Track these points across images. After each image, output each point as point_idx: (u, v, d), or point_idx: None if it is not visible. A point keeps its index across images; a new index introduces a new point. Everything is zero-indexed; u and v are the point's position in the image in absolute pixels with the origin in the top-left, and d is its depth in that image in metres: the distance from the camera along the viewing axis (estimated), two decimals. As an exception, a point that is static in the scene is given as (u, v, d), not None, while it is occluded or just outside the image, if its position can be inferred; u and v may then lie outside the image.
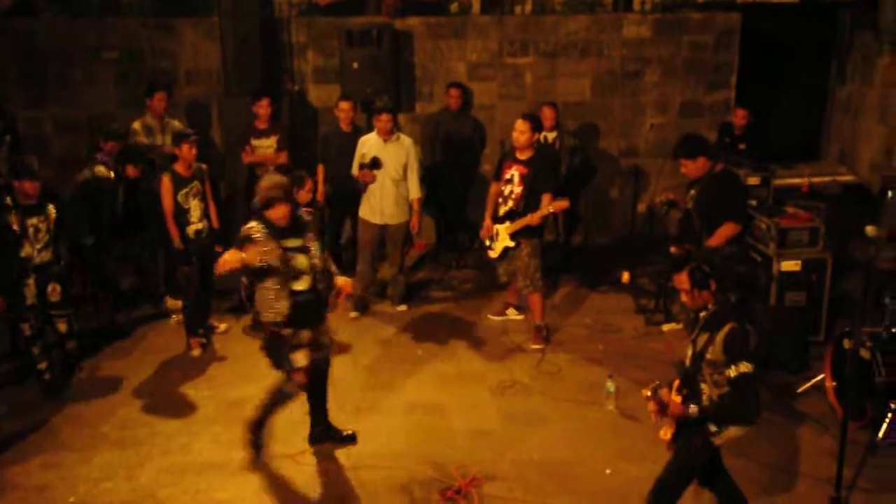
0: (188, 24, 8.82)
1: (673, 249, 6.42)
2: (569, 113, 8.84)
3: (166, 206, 6.67)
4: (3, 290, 5.92)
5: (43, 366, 6.18)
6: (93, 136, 7.40)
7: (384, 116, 7.22)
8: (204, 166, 6.90)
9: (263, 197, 4.75)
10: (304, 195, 6.10)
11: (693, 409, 3.92)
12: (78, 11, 8.81)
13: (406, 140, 7.40)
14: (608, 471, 5.14)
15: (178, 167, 6.70)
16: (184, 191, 6.69)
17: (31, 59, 8.67)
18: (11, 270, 5.94)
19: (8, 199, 5.93)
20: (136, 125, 7.65)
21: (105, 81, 8.82)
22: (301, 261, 4.91)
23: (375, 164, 7.22)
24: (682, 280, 4.08)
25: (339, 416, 5.71)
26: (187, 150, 6.63)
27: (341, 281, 5.18)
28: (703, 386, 3.99)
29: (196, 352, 6.88)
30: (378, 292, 7.91)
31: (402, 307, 7.74)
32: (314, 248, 4.98)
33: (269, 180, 4.86)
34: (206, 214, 6.86)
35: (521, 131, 6.67)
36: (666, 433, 4.09)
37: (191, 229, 6.77)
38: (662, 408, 4.05)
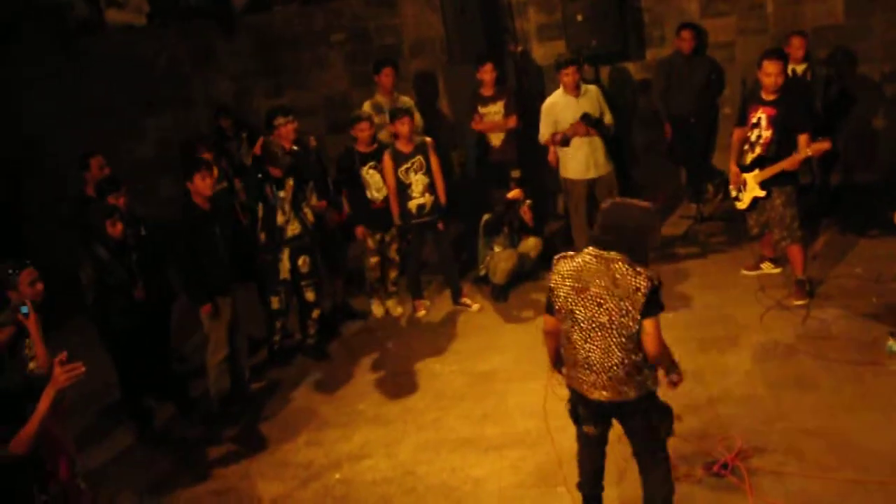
0: (408, -2, 8.86)
1: None
2: (819, 40, 7.94)
3: (388, 183, 6.82)
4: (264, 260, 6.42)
5: (277, 338, 6.72)
6: None
7: (570, 70, 6.91)
8: (428, 140, 6.93)
9: None
10: None
11: None
12: (305, -1, 9.13)
13: (592, 89, 7.16)
14: (900, 442, 4.59)
15: (398, 144, 6.79)
16: (404, 166, 6.77)
17: (268, 50, 9.09)
18: (274, 238, 6.36)
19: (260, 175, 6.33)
20: (367, 106, 7.75)
21: (335, 64, 9.08)
22: None
23: (596, 122, 6.98)
24: None
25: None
26: (399, 126, 6.71)
27: None
28: None
29: (421, 313, 7.18)
30: None
31: None
32: None
33: None
34: (430, 189, 6.88)
35: (774, 74, 6.01)
36: None
37: (412, 204, 6.84)
38: None
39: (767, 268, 6.87)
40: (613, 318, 3.58)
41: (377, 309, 7.35)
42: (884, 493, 4.23)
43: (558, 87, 7.17)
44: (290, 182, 6.37)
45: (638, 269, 3.56)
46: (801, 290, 6.34)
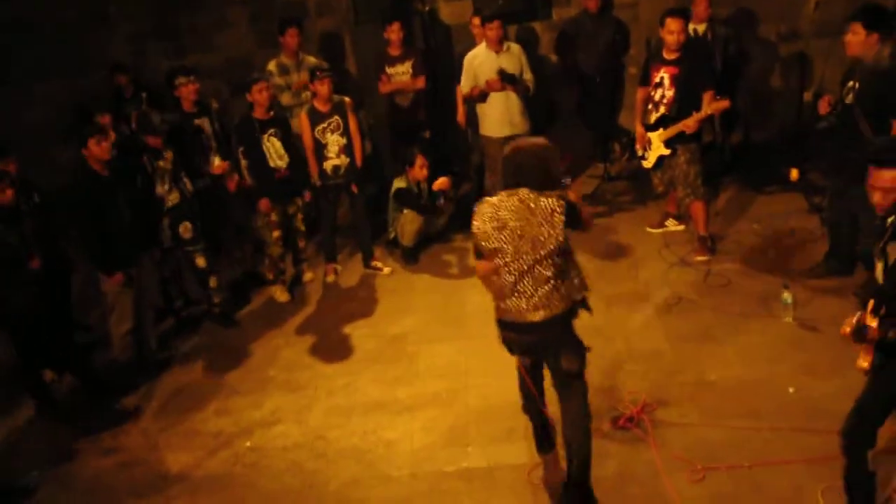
0: (313, -46, 8.63)
1: (794, 174, 6.16)
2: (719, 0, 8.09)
3: (305, 142, 6.72)
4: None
5: (179, 304, 6.62)
6: None
7: (494, 24, 6.93)
8: (347, 100, 6.82)
9: None
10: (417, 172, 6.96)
11: (894, 334, 3.35)
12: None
13: (515, 47, 7.18)
14: (791, 389, 4.79)
15: (317, 103, 6.68)
16: (321, 126, 6.66)
17: (167, 9, 8.75)
18: (154, 209, 6.13)
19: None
20: (271, 65, 7.56)
21: (238, 23, 8.80)
22: None
23: (513, 79, 6.95)
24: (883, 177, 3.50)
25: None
26: (319, 86, 6.59)
27: None
28: None
29: (331, 277, 7.10)
30: None
31: None
32: None
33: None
34: (347, 150, 6.78)
35: (676, 31, 6.13)
36: (864, 360, 3.61)
37: (327, 165, 6.75)
38: (860, 333, 3.42)
39: (672, 225, 7.04)
40: (537, 245, 3.77)
41: (280, 294, 6.93)
42: (777, 437, 4.42)
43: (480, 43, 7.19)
44: (170, 154, 6.16)
45: (546, 194, 3.77)
46: (704, 246, 6.51)
